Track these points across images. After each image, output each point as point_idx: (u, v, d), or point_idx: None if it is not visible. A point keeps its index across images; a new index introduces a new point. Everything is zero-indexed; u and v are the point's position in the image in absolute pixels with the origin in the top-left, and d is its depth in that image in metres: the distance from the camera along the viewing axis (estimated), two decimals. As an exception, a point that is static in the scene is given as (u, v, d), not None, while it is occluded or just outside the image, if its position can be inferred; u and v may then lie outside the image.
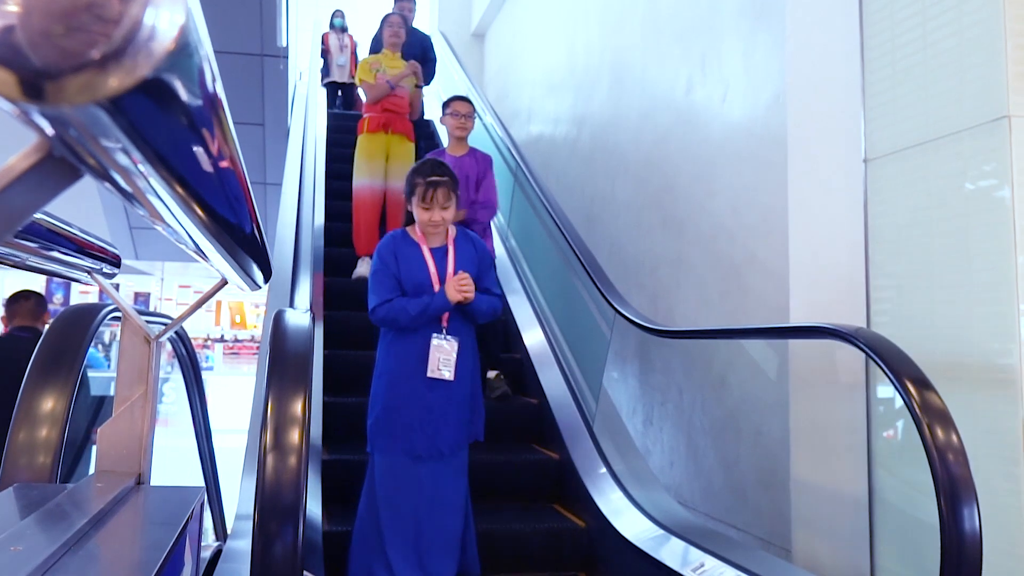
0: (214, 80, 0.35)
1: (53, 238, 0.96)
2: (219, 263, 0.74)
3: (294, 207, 4.07)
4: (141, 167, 0.32)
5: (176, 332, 2.35)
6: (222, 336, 13.89)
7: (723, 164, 3.08)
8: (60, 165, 0.33)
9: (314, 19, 8.04)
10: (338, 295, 3.99)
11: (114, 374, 1.21)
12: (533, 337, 3.81)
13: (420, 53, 4.87)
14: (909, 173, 2.39)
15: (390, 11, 4.64)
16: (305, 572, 1.04)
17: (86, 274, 1.17)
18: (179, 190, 0.37)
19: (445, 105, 3.76)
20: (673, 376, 3.37)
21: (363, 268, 4.18)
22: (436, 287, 2.39)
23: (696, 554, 2.14)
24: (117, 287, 1.55)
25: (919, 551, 2.25)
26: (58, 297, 12.22)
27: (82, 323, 1.52)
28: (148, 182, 0.35)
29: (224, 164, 0.43)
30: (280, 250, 3.57)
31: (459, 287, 2.33)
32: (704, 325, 3.11)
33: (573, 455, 2.95)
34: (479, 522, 2.51)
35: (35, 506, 0.89)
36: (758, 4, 2.89)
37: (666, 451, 3.41)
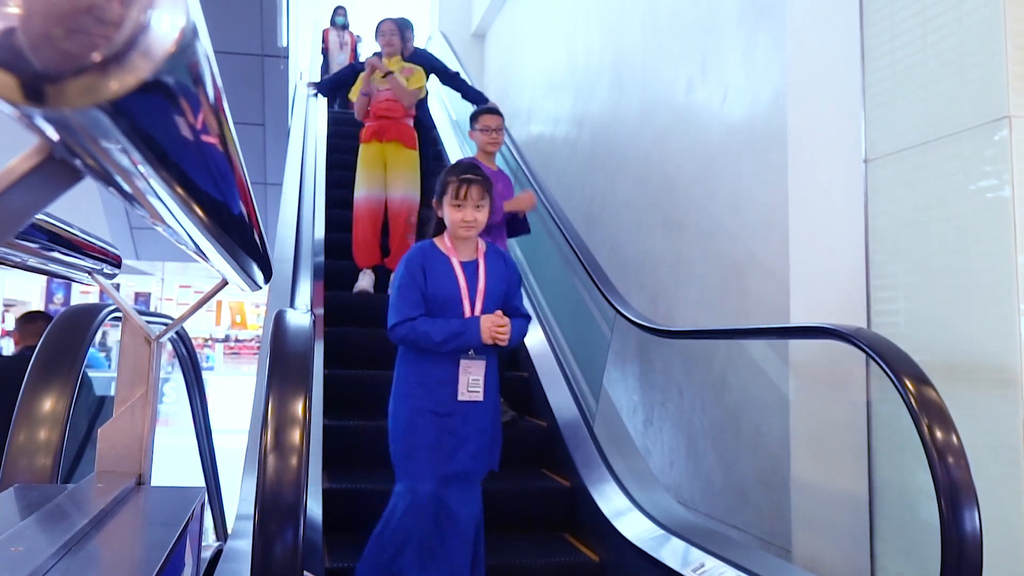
0: (215, 82, 0.35)
1: (54, 239, 0.96)
2: (219, 263, 0.74)
3: (294, 208, 4.07)
4: (142, 169, 0.32)
5: (176, 332, 2.35)
6: (227, 337, 13.89)
7: (723, 164, 3.08)
8: (61, 167, 0.33)
9: (314, 20, 8.03)
10: (338, 309, 3.81)
11: (114, 374, 1.21)
12: (538, 348, 3.70)
13: (427, 73, 4.52)
14: (909, 173, 2.39)
15: (383, 19, 4.38)
16: (305, 572, 1.04)
17: (86, 275, 1.17)
18: (179, 191, 0.37)
19: (473, 118, 3.53)
20: (673, 376, 3.37)
21: (364, 281, 4.03)
22: (465, 303, 2.25)
23: (696, 554, 2.14)
24: (118, 287, 1.55)
25: (919, 551, 2.25)
26: (59, 297, 12.23)
27: (82, 323, 1.52)
28: (148, 184, 0.35)
29: (224, 165, 0.43)
30: (280, 250, 3.57)
31: (495, 332, 2.20)
32: (704, 325, 3.11)
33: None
34: (486, 555, 2.38)
35: (35, 507, 0.89)
36: (758, 4, 2.89)
37: (666, 451, 3.41)
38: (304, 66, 7.41)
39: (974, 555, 1.47)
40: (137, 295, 13.57)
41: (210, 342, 13.41)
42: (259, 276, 0.93)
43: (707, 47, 3.28)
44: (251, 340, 13.69)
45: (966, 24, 2.19)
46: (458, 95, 4.81)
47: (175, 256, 8.88)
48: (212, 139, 0.38)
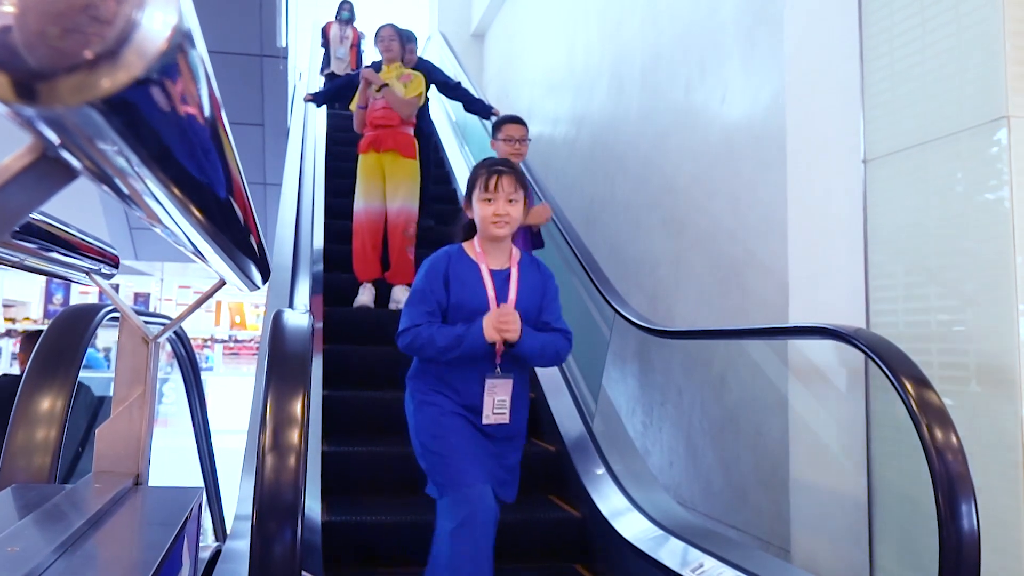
0: (209, 80, 0.35)
1: (51, 239, 0.96)
2: (217, 264, 0.74)
3: (293, 209, 4.06)
4: (136, 168, 0.32)
5: (175, 332, 2.35)
6: (231, 337, 13.89)
7: (723, 164, 3.08)
8: (55, 166, 0.33)
9: (313, 20, 8.02)
10: (338, 325, 3.64)
11: (112, 375, 1.21)
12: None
13: (428, 84, 4.39)
14: (908, 173, 2.39)
15: (382, 24, 4.24)
16: (304, 572, 1.04)
17: (84, 275, 1.17)
18: (174, 191, 0.37)
19: (496, 128, 3.40)
20: (672, 376, 3.37)
21: (364, 296, 3.89)
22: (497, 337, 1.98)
23: (695, 554, 2.14)
24: (117, 288, 1.55)
25: (918, 551, 2.25)
26: (58, 297, 12.22)
27: (81, 323, 1.52)
28: (143, 183, 0.35)
29: (220, 164, 0.43)
30: (280, 250, 3.57)
31: (499, 324, 1.91)
32: (703, 325, 3.11)
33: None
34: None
35: (33, 507, 0.89)
36: (757, 4, 2.89)
37: (665, 451, 3.40)
38: (304, 66, 7.40)
39: (972, 555, 1.47)
40: (136, 295, 13.56)
41: (209, 343, 13.40)
42: (257, 276, 0.93)
43: (706, 47, 3.28)
44: (250, 341, 13.69)
45: (965, 24, 2.19)
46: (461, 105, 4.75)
47: (174, 256, 8.87)
48: (207, 138, 0.38)
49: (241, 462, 2.32)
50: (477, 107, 4.60)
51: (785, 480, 2.54)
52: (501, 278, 2.05)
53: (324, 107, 5.67)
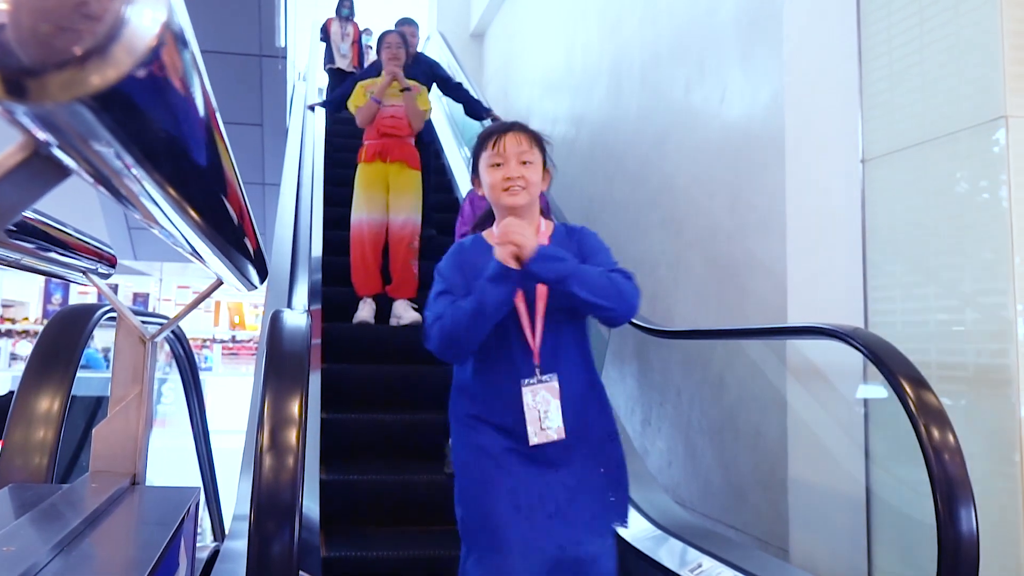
0: (200, 77, 0.34)
1: (48, 238, 0.95)
2: (213, 263, 0.74)
3: (292, 208, 4.05)
4: (127, 165, 0.32)
5: (174, 333, 2.35)
6: (233, 337, 13.88)
7: (722, 164, 3.08)
8: (47, 163, 0.33)
9: (312, 20, 8.01)
10: (336, 341, 3.48)
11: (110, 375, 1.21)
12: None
13: (428, 81, 4.30)
14: (907, 173, 2.39)
15: (388, 29, 4.11)
16: (301, 572, 1.03)
17: (81, 274, 1.17)
18: (167, 189, 0.37)
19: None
20: (671, 376, 3.37)
21: (364, 311, 3.70)
22: (520, 303, 1.60)
23: (694, 554, 2.14)
24: (116, 288, 1.55)
25: (916, 551, 2.25)
26: (57, 297, 12.22)
27: (78, 323, 1.52)
28: (135, 180, 0.35)
29: (213, 162, 0.43)
30: (278, 250, 3.56)
31: (508, 237, 1.48)
32: (702, 325, 3.11)
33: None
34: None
35: (29, 506, 0.89)
36: (756, 5, 2.89)
37: (664, 451, 3.40)
38: (303, 66, 7.39)
39: (970, 555, 1.47)
40: (135, 295, 13.56)
41: (208, 343, 13.39)
42: (254, 276, 0.93)
43: (705, 47, 3.28)
44: (249, 341, 13.68)
45: (963, 24, 2.19)
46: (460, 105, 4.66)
47: (173, 256, 8.87)
48: (199, 136, 0.37)
49: (240, 462, 2.32)
50: (475, 109, 4.53)
51: (784, 480, 2.54)
52: None
53: (323, 109, 5.64)
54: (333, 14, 7.45)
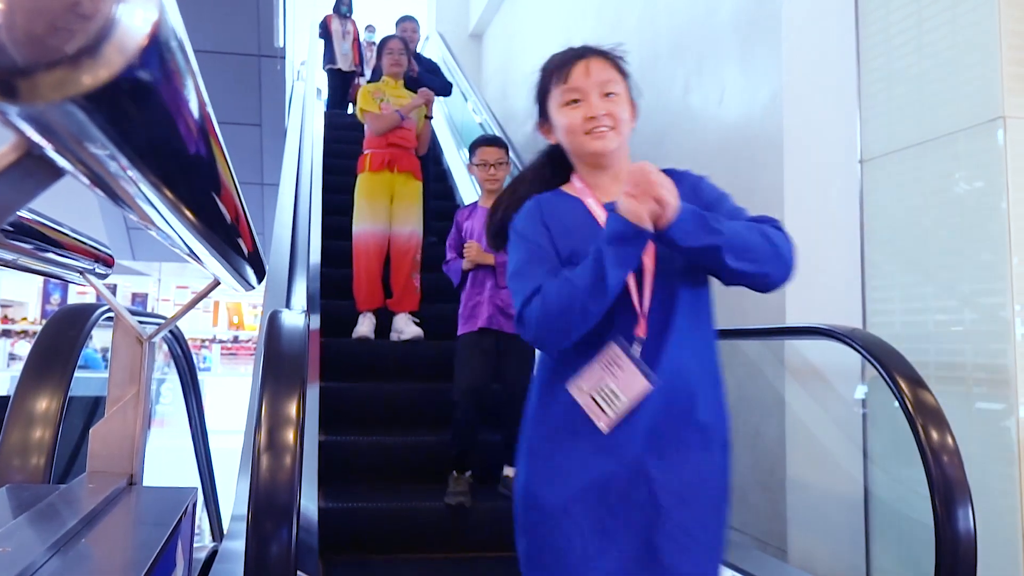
0: (193, 77, 0.34)
1: (45, 238, 0.95)
2: (210, 263, 0.74)
3: (290, 209, 4.04)
4: (120, 165, 0.32)
5: (171, 333, 2.35)
6: (235, 337, 13.88)
7: (720, 164, 3.08)
8: (40, 163, 0.33)
9: (311, 20, 8.01)
10: (335, 356, 3.38)
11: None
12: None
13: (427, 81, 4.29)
14: (905, 174, 2.40)
15: (390, 35, 4.11)
16: (299, 572, 1.03)
17: (78, 275, 1.17)
18: (161, 189, 0.37)
19: (471, 150, 3.12)
20: (670, 376, 3.37)
21: (364, 326, 3.60)
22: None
23: (692, 554, 2.13)
24: (114, 288, 1.54)
25: (914, 551, 2.25)
26: (55, 298, 12.22)
27: (76, 323, 1.52)
28: (129, 181, 0.35)
29: (207, 162, 0.43)
30: (277, 250, 3.56)
31: (645, 186, 1.13)
32: (701, 325, 3.10)
33: None
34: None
35: (26, 507, 0.89)
36: (755, 5, 2.89)
37: (663, 451, 3.40)
38: (301, 66, 7.38)
39: (968, 555, 1.47)
40: (134, 296, 13.56)
41: (207, 343, 13.39)
42: (251, 276, 0.93)
43: (704, 48, 3.28)
44: (248, 341, 13.68)
45: (961, 25, 2.19)
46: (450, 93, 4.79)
47: (172, 257, 8.86)
48: (193, 135, 0.37)
49: (239, 462, 2.32)
50: (440, 89, 4.45)
51: (782, 480, 2.54)
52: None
53: (322, 108, 5.63)
54: (332, 11, 7.45)
